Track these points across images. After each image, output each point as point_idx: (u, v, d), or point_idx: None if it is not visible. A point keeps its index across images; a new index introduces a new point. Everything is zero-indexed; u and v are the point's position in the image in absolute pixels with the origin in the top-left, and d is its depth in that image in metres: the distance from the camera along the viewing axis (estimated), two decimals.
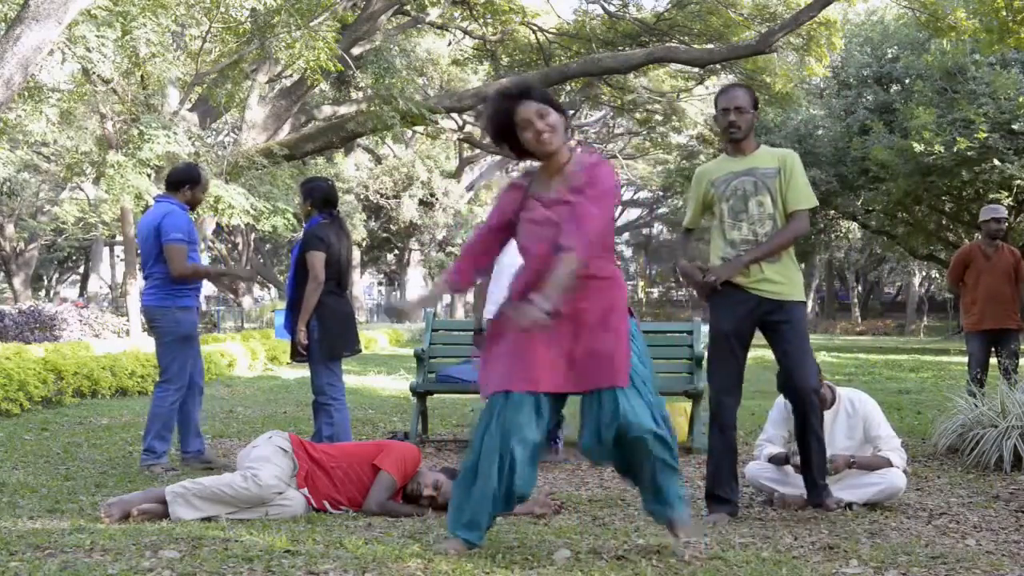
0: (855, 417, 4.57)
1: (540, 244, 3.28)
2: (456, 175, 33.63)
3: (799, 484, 4.42)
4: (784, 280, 4.16)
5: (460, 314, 36.72)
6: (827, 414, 4.53)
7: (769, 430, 4.71)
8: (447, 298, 38.83)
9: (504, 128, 3.36)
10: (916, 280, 40.95)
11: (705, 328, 4.98)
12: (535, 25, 20.95)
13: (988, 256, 6.91)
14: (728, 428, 4.23)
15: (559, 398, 3.36)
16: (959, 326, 7.34)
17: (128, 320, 16.31)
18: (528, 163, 3.51)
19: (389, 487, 4.14)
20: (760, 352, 6.41)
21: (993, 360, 6.93)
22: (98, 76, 14.22)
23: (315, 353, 5.35)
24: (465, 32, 22.38)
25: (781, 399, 4.74)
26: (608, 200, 3.29)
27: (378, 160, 31.69)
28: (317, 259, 5.32)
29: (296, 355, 5.45)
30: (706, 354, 4.37)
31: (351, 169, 30.19)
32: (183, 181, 5.57)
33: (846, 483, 4.40)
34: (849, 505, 4.33)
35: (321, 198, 5.50)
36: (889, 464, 4.44)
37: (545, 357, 3.24)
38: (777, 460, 4.51)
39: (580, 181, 3.28)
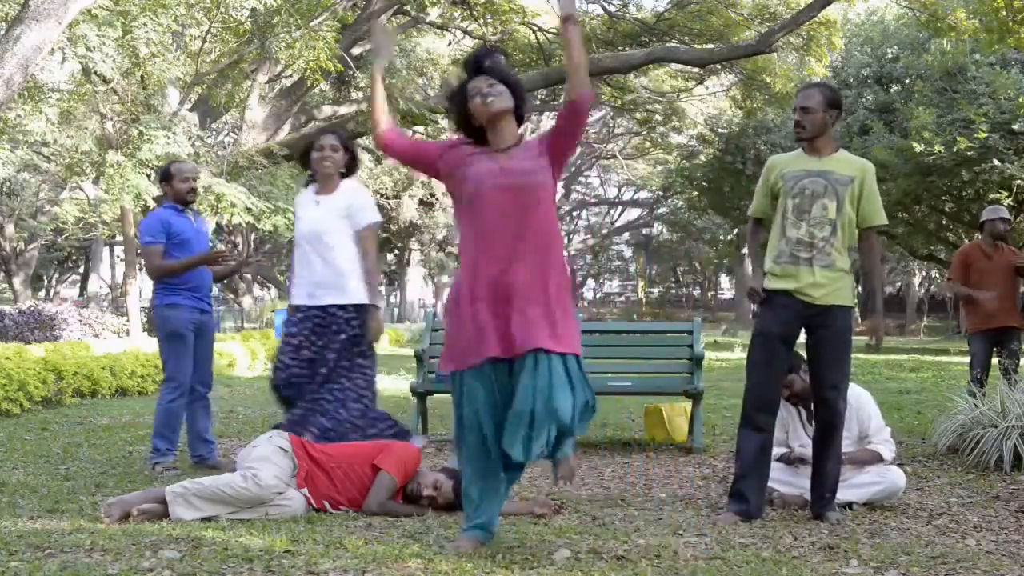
0: (849, 411, 4.56)
1: (503, 191, 3.31)
2: None
3: (799, 484, 4.42)
4: (828, 283, 4.15)
5: None
6: None
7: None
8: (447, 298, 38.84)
9: (460, 105, 3.44)
10: (916, 280, 40.91)
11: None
12: (535, 25, 20.95)
13: (989, 256, 6.91)
14: (764, 429, 4.17)
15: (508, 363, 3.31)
16: (958, 327, 7.34)
17: (128, 320, 16.31)
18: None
19: (389, 487, 4.14)
20: None
21: (995, 360, 6.93)
22: (98, 76, 14.22)
23: None
24: (465, 32, 22.36)
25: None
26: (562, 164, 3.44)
27: (378, 160, 31.67)
28: None
29: None
30: (746, 355, 4.32)
31: None
32: (161, 181, 5.72)
33: (846, 483, 4.40)
34: (849, 505, 4.33)
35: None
36: (879, 458, 4.44)
37: (487, 326, 3.26)
38: (785, 460, 4.52)
39: (540, 146, 3.40)
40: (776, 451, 4.59)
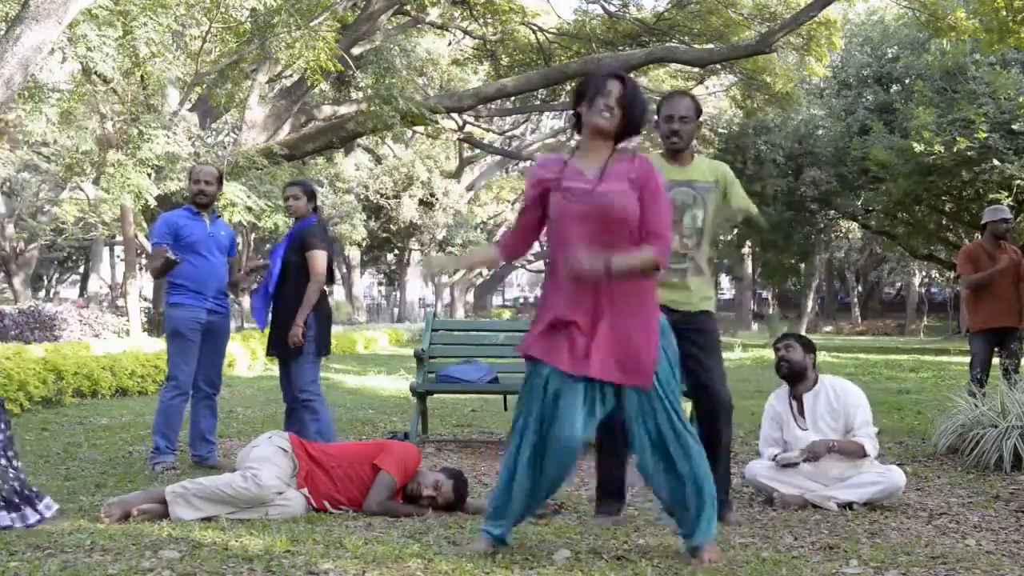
0: (839, 404, 4.59)
1: (580, 216, 3.25)
2: (456, 175, 33.64)
3: (798, 484, 4.43)
4: (697, 290, 4.11)
5: (460, 314, 36.73)
6: (808, 395, 4.63)
7: (765, 428, 4.74)
8: (447, 298, 38.87)
9: (579, 95, 3.37)
10: (916, 280, 40.95)
11: None
12: (535, 25, 20.96)
13: (992, 256, 6.92)
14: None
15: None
16: (959, 327, 7.36)
17: (128, 320, 16.30)
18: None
19: (389, 487, 4.14)
20: (759, 352, 6.41)
21: (996, 360, 6.94)
22: (98, 76, 14.21)
23: (308, 349, 5.41)
24: (465, 32, 22.38)
25: (772, 398, 4.80)
26: (665, 196, 3.32)
27: (378, 160, 31.69)
28: (320, 258, 5.43)
29: (277, 350, 5.47)
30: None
31: (351, 169, 30.19)
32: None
33: (847, 483, 4.40)
34: (849, 505, 4.33)
35: (314, 199, 5.66)
36: (862, 450, 4.47)
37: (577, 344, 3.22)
38: (779, 464, 4.53)
39: (634, 173, 3.28)
40: (771, 451, 4.61)
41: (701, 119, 4.22)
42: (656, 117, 4.22)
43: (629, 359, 3.19)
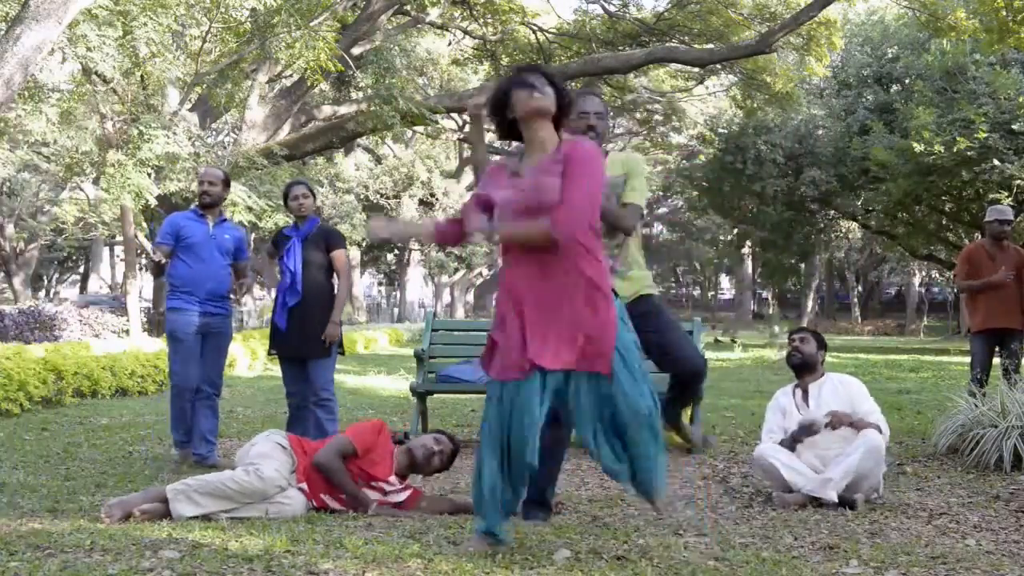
0: (844, 393, 4.68)
1: (518, 214, 3.26)
2: (456, 175, 33.64)
3: (799, 468, 4.45)
4: (635, 280, 4.16)
5: (460, 314, 36.74)
6: (813, 385, 4.73)
7: (770, 419, 4.79)
8: (447, 298, 38.89)
9: (499, 103, 3.36)
10: (916, 280, 40.95)
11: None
12: (535, 25, 20.95)
13: (992, 256, 6.92)
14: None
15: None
16: (958, 327, 7.39)
17: (128, 320, 16.30)
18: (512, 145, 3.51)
19: (341, 445, 4.15)
20: (760, 352, 6.40)
21: (997, 359, 6.94)
22: (98, 76, 14.21)
23: (333, 348, 5.48)
24: (465, 32, 22.37)
25: (778, 392, 4.87)
26: (588, 170, 3.24)
27: (378, 160, 31.70)
28: (346, 257, 5.56)
29: (302, 348, 5.47)
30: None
31: (351, 169, 30.20)
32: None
33: (830, 469, 4.40)
34: (852, 505, 4.33)
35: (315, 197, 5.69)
36: (878, 428, 4.51)
37: (533, 334, 3.23)
38: (793, 436, 4.56)
39: (559, 156, 3.27)
40: (776, 437, 4.62)
41: (611, 115, 4.24)
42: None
43: (587, 345, 3.20)
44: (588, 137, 4.02)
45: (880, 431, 4.50)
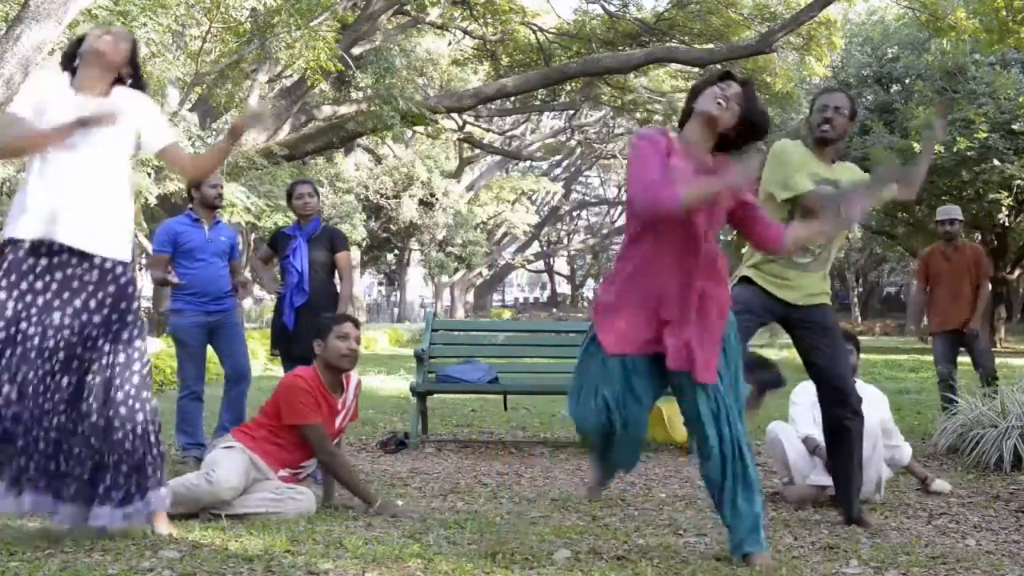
0: (876, 408, 4.63)
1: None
2: (456, 175, 33.64)
3: (807, 458, 4.45)
4: (799, 285, 4.10)
5: (460, 314, 36.74)
6: None
7: (804, 407, 4.68)
8: (447, 298, 38.87)
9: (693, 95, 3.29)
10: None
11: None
12: (535, 25, 20.94)
13: (948, 257, 6.96)
14: None
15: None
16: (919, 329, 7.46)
17: None
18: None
19: (316, 434, 4.11)
20: (756, 352, 6.39)
21: (967, 359, 6.98)
22: None
23: None
24: (465, 32, 22.36)
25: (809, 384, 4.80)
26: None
27: (378, 160, 31.68)
28: (350, 259, 5.57)
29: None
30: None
31: (351, 169, 30.18)
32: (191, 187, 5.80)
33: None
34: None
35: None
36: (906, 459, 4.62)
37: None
38: (809, 444, 4.54)
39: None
40: (804, 426, 4.61)
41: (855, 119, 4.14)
42: (809, 110, 4.18)
43: (702, 355, 3.16)
44: (823, 130, 4.01)
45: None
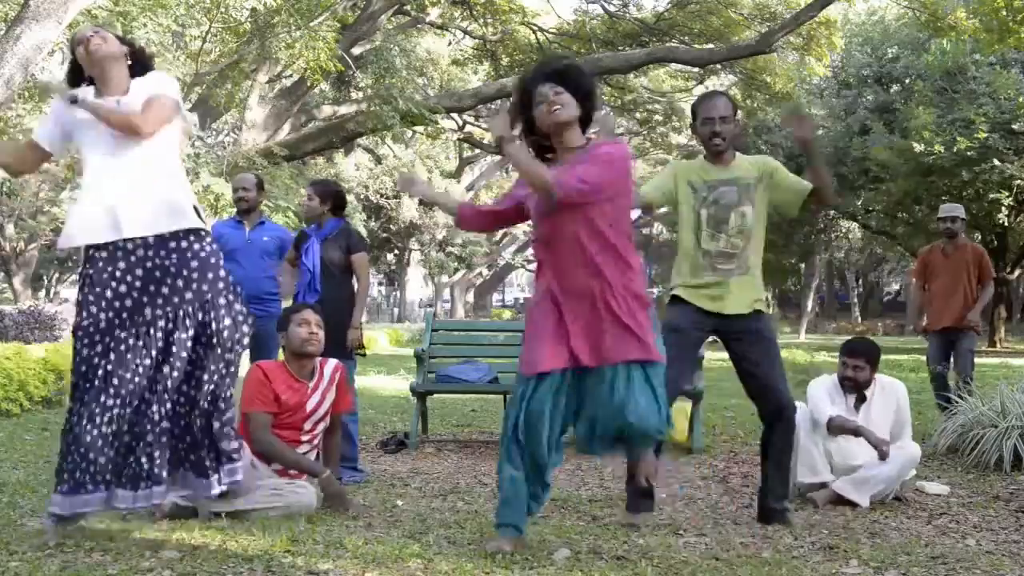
0: (892, 400, 4.65)
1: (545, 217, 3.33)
2: (456, 175, 33.63)
3: (815, 463, 4.47)
4: (725, 294, 4.08)
5: (460, 314, 36.73)
6: (867, 391, 4.67)
7: (821, 398, 4.68)
8: (447, 297, 38.86)
9: (523, 104, 3.39)
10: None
11: None
12: (535, 25, 20.93)
13: (947, 255, 6.94)
14: None
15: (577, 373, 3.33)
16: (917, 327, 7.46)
17: None
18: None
19: (257, 422, 4.13)
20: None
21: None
22: None
23: (353, 351, 5.47)
24: (465, 32, 22.35)
25: (826, 380, 4.79)
26: (608, 164, 3.30)
27: (378, 160, 31.67)
28: (366, 260, 5.51)
29: (327, 351, 5.47)
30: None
31: (351, 169, 30.18)
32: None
33: (867, 476, 4.43)
34: (853, 504, 4.35)
35: (339, 203, 5.62)
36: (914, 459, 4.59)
37: (560, 332, 3.29)
38: (841, 426, 4.52)
39: (585, 156, 3.32)
40: (824, 411, 4.58)
41: (739, 117, 4.16)
42: (693, 121, 4.18)
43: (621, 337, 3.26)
44: (714, 144, 4.03)
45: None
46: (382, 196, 30.40)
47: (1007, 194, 18.96)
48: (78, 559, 3.08)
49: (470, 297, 40.69)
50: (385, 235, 32.34)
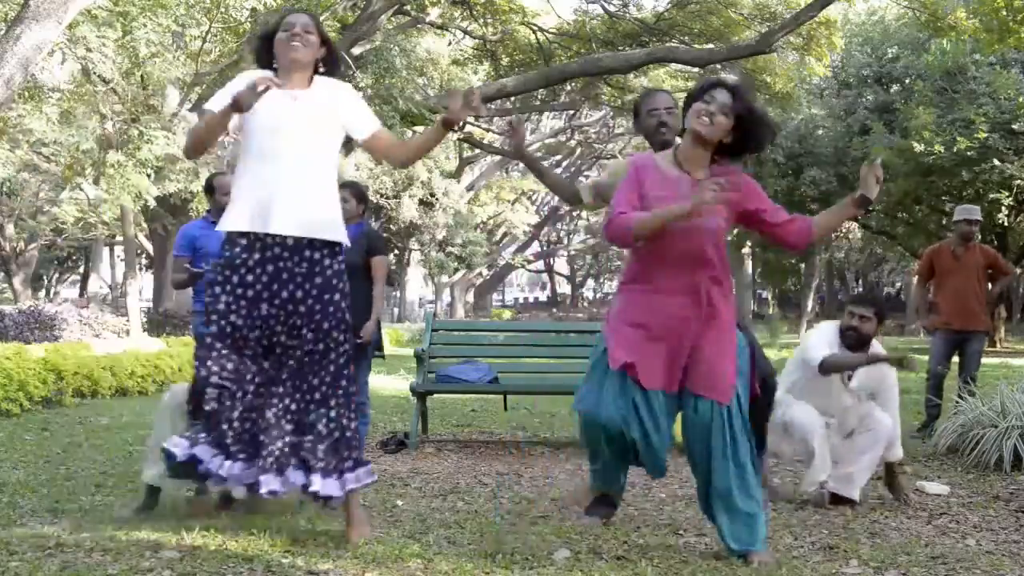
0: (879, 369, 4.69)
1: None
2: (456, 175, 33.62)
3: (809, 425, 4.45)
4: None
5: (460, 314, 36.73)
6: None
7: (819, 342, 4.64)
8: (447, 297, 38.84)
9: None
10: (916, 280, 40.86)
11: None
12: (535, 25, 20.93)
13: (957, 256, 6.85)
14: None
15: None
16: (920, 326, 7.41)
17: (128, 320, 16.29)
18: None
19: None
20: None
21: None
22: (98, 76, 14.21)
23: (370, 351, 5.46)
24: (465, 32, 22.35)
25: (825, 329, 4.74)
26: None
27: (378, 160, 31.70)
28: (385, 263, 5.51)
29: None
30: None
31: (351, 169, 30.17)
32: (205, 193, 5.73)
33: (851, 472, 4.41)
34: (852, 503, 4.34)
35: (367, 204, 5.63)
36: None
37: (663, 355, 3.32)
38: (837, 364, 4.49)
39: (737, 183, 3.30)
40: (823, 420, 4.56)
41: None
42: (636, 118, 4.16)
43: (711, 375, 3.28)
44: (662, 133, 4.00)
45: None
46: (382, 196, 30.39)
47: (1007, 194, 18.95)
48: (78, 559, 3.08)
49: (470, 297, 40.69)
50: (385, 235, 32.33)
